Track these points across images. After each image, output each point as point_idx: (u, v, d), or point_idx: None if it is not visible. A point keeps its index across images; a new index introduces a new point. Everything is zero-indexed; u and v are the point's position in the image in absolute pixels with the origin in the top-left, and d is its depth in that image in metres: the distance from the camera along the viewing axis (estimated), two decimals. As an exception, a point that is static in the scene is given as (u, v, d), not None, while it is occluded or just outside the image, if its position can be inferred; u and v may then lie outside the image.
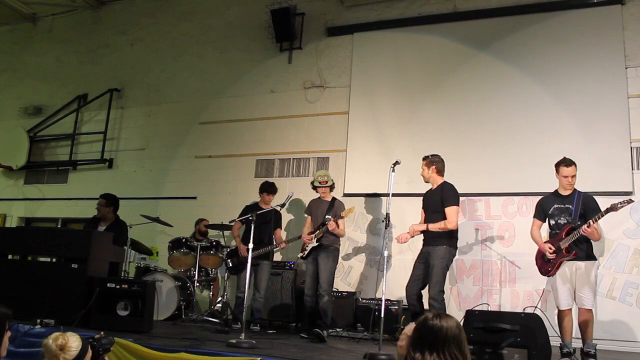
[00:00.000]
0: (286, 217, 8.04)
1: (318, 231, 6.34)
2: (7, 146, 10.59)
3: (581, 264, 4.96)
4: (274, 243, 6.94)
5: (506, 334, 4.16)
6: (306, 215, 6.86)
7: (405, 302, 6.74)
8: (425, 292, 5.64)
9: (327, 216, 6.36)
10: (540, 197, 5.51)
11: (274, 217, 6.87)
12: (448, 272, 5.74)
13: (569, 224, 5.01)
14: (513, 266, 6.89)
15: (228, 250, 7.36)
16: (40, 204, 10.36)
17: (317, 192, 6.72)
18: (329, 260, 6.30)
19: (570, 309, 4.99)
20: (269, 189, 7.07)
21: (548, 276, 5.19)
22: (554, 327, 5.04)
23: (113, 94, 10.18)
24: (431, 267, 5.55)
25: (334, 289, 6.62)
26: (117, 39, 10.59)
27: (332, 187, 6.71)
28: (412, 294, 5.67)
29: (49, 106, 10.78)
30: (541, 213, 5.33)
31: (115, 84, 10.25)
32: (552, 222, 5.19)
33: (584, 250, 4.99)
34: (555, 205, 5.18)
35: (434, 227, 5.61)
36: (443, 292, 5.54)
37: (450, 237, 5.63)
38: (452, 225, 5.56)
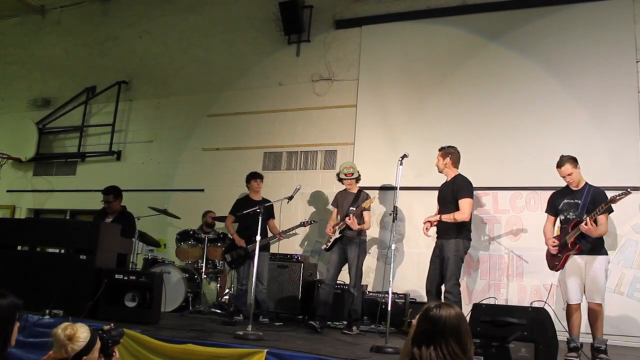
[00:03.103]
0: (294, 209, 8.03)
1: (341, 222, 6.27)
2: (16, 138, 10.63)
3: (590, 258, 4.92)
4: (269, 234, 6.94)
5: (513, 328, 4.14)
6: (332, 207, 6.74)
7: (411, 295, 6.80)
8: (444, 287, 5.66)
9: (351, 208, 6.31)
10: (551, 192, 5.47)
11: (268, 209, 6.86)
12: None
13: (576, 219, 4.99)
14: (521, 260, 6.87)
15: (225, 245, 7.37)
16: (49, 196, 10.41)
17: (342, 183, 6.59)
18: (358, 254, 6.17)
19: (580, 304, 4.97)
20: (254, 175, 7.11)
21: (555, 270, 5.17)
22: (562, 322, 5.02)
23: (121, 86, 10.21)
24: (445, 261, 5.53)
25: (340, 282, 6.62)
26: (125, 32, 10.60)
27: (358, 179, 6.56)
28: (431, 290, 5.66)
29: (57, 98, 10.82)
30: (552, 208, 5.28)
31: (123, 77, 10.27)
32: (562, 217, 5.16)
33: (590, 243, 4.93)
34: (565, 201, 5.14)
35: (446, 218, 5.61)
36: (459, 284, 5.54)
37: (463, 229, 5.60)
38: (464, 216, 5.53)
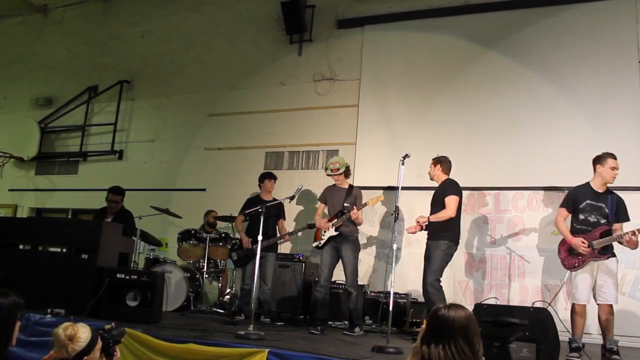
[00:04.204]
0: (295, 209, 8.04)
1: (337, 219, 6.14)
2: (18, 137, 10.65)
3: (606, 260, 4.90)
4: (278, 235, 6.95)
5: (515, 328, 4.14)
6: (320, 202, 6.61)
7: (413, 295, 6.79)
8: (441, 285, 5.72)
9: (345, 204, 6.16)
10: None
11: (278, 209, 6.88)
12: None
13: (604, 225, 4.92)
14: (522, 260, 6.86)
15: (233, 243, 7.38)
16: (51, 195, 10.43)
17: (333, 179, 6.48)
18: (353, 252, 6.08)
19: (586, 305, 4.95)
20: (269, 175, 7.10)
21: (572, 271, 5.03)
22: (563, 322, 5.01)
23: (123, 85, 10.23)
24: (431, 258, 5.66)
25: (340, 282, 6.59)
26: (127, 31, 10.61)
27: (346, 174, 6.38)
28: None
29: (59, 97, 10.84)
30: (571, 204, 5.16)
31: (125, 76, 10.28)
32: (582, 217, 5.06)
33: (612, 247, 4.96)
34: (588, 201, 5.05)
35: (434, 217, 5.75)
36: (439, 280, 5.63)
37: (450, 230, 5.69)
38: (450, 212, 5.65)
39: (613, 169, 5.04)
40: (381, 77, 8.21)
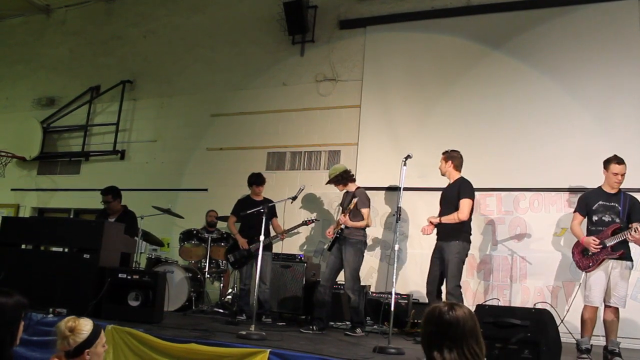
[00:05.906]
0: (296, 209, 8.03)
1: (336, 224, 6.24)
2: (20, 137, 10.65)
3: (618, 263, 4.90)
4: (272, 234, 6.95)
5: (516, 329, 4.14)
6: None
7: (415, 296, 6.79)
8: (443, 288, 5.67)
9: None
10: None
11: (270, 208, 6.84)
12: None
13: (617, 223, 4.93)
14: (524, 262, 6.85)
15: (228, 245, 7.38)
16: (53, 195, 10.44)
17: None
18: (352, 255, 6.03)
19: (598, 307, 4.95)
20: (257, 180, 7.08)
21: (587, 272, 5.03)
22: (564, 324, 5.01)
23: (125, 85, 10.24)
24: (447, 263, 5.53)
25: (341, 282, 6.56)
26: (129, 31, 10.63)
27: (339, 180, 6.34)
28: (432, 291, 5.68)
29: (62, 97, 10.86)
30: (584, 208, 5.20)
31: (127, 76, 10.30)
32: (596, 218, 5.08)
33: (626, 249, 4.94)
34: (601, 202, 5.08)
35: (446, 219, 5.62)
36: (460, 286, 5.52)
37: (463, 231, 5.61)
38: (464, 216, 5.55)
39: (615, 174, 5.05)
40: (383, 78, 8.21)
